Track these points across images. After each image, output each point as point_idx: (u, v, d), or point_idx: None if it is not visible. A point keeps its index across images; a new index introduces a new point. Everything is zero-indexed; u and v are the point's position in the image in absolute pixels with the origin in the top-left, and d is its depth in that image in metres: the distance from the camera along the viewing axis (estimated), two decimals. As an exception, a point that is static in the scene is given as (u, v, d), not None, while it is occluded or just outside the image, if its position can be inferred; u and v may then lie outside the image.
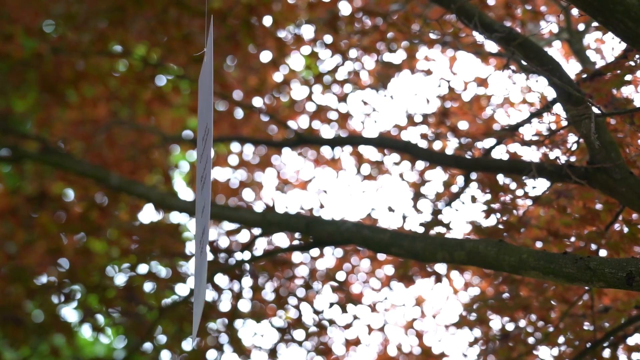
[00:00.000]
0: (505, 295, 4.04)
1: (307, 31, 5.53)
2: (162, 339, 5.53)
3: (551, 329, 3.77)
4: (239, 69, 6.01)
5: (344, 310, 5.43)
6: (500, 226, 3.67)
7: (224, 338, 5.49)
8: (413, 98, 5.47)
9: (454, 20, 3.81)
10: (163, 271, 5.58)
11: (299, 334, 5.47)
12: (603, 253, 3.40)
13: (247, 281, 5.34)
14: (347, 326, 5.49)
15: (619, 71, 3.18)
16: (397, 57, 5.14)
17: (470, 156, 4.34)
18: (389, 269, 5.37)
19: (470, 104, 4.78)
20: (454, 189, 4.58)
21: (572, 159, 3.40)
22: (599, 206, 3.38)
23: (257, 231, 5.00)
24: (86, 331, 6.32)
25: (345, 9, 5.29)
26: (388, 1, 4.87)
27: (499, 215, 3.72)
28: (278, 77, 5.87)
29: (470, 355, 4.43)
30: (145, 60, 5.86)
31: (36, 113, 6.17)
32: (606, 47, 4.29)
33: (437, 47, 4.90)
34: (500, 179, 3.82)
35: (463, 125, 4.78)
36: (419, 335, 5.51)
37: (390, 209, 5.07)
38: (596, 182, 3.14)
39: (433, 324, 5.50)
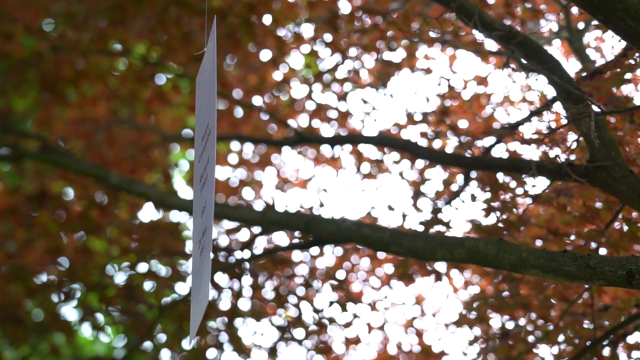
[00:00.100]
0: (505, 293, 4.04)
1: (307, 30, 5.54)
2: (162, 337, 5.54)
3: (551, 328, 3.77)
4: (238, 67, 6.01)
5: (344, 308, 5.43)
6: (500, 224, 3.67)
7: (223, 337, 5.50)
8: (413, 96, 5.48)
9: (453, 19, 3.81)
10: (163, 270, 5.58)
11: (298, 333, 5.48)
12: (603, 251, 3.40)
13: (247, 280, 5.34)
14: (347, 325, 5.50)
15: (618, 69, 3.18)
16: (397, 55, 5.14)
17: (470, 155, 4.34)
18: (389, 268, 5.37)
19: (470, 102, 4.78)
20: (454, 187, 4.59)
21: (572, 157, 3.40)
22: (598, 204, 3.39)
23: (257, 230, 5.01)
24: (86, 330, 6.33)
25: (345, 7, 5.30)
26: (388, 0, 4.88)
27: (498, 213, 3.73)
28: (278, 75, 5.87)
29: (470, 354, 4.43)
30: (145, 59, 5.86)
31: (36, 112, 6.17)
32: (606, 45, 4.30)
33: (437, 45, 4.90)
34: (500, 177, 3.82)
35: (463, 123, 4.79)
36: (419, 334, 5.51)
37: (390, 208, 5.07)
38: (596, 180, 3.15)
39: (433, 323, 5.51)
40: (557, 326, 3.72)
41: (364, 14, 5.01)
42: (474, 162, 4.04)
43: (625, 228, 3.28)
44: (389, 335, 5.60)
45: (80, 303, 5.63)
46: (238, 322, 5.47)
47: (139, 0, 5.36)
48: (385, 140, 4.92)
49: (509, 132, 4.09)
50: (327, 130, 5.74)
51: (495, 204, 3.73)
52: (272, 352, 5.48)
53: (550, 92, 3.61)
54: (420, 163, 5.01)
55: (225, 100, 5.99)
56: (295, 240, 5.09)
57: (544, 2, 4.48)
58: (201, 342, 5.52)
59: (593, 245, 3.40)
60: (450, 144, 4.69)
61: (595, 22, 4.07)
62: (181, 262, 5.54)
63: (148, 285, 5.52)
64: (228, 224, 5.54)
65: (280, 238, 5.41)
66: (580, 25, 4.42)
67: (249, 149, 6.23)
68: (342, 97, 5.57)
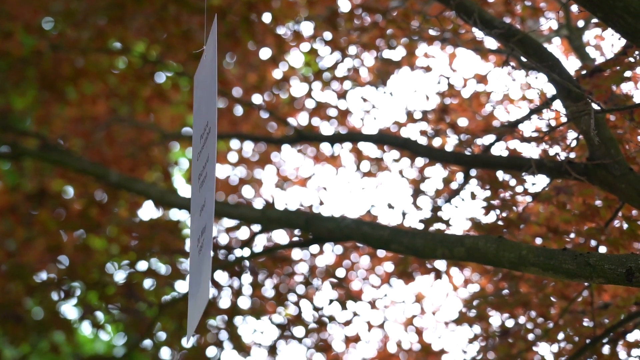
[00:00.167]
0: (505, 291, 4.04)
1: (307, 28, 5.54)
2: (162, 335, 5.54)
3: (551, 326, 3.78)
4: (238, 65, 6.00)
5: (344, 307, 5.43)
6: (500, 222, 3.67)
7: (223, 335, 5.50)
8: (412, 95, 5.47)
9: (453, 17, 3.81)
10: (163, 268, 5.58)
11: (298, 331, 5.48)
12: (603, 249, 3.40)
13: (246, 278, 5.34)
14: (347, 323, 5.50)
15: (618, 67, 3.18)
16: (397, 53, 5.14)
17: (470, 153, 4.34)
18: (389, 266, 5.37)
19: (470, 100, 4.78)
20: (454, 185, 4.59)
21: (572, 155, 3.40)
22: (598, 202, 3.38)
23: (256, 228, 5.00)
24: (86, 328, 6.34)
25: (344, 5, 5.29)
26: (387, -2, 4.88)
27: (498, 211, 3.72)
28: (277, 74, 5.86)
29: (470, 352, 4.43)
30: (144, 58, 5.85)
31: (35, 110, 6.17)
32: (606, 43, 4.30)
33: (436, 43, 4.90)
34: (500, 175, 3.82)
35: (463, 121, 4.78)
36: (419, 332, 5.51)
37: (390, 206, 5.07)
38: (596, 178, 3.15)
39: (433, 321, 5.51)
40: (556, 324, 3.72)
41: (364, 12, 5.00)
42: (474, 160, 4.04)
43: (625, 226, 3.28)
44: (388, 333, 5.60)
45: (80, 301, 5.63)
46: (238, 320, 5.47)
47: (139, -2, 5.36)
48: (385, 139, 4.91)
49: (509, 130, 4.09)
50: (326, 128, 5.74)
51: (495, 202, 3.73)
52: (272, 350, 5.48)
53: (550, 90, 3.61)
54: (420, 161, 5.01)
55: (225, 98, 5.99)
56: (295, 239, 5.09)
57: (543, 0, 4.48)
58: (201, 340, 5.52)
59: (593, 243, 3.40)
60: (450, 142, 4.69)
61: (595, 20, 4.07)
62: (181, 260, 5.54)
63: (148, 284, 5.53)
64: (228, 222, 5.54)
65: (280, 236, 5.41)
66: (580, 23, 4.42)
67: (248, 147, 6.23)
68: (342, 95, 5.57)
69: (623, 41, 3.23)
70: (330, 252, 5.46)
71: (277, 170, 6.18)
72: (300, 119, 5.88)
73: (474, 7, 3.22)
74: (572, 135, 3.44)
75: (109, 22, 5.62)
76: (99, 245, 6.00)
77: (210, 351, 5.49)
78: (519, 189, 3.73)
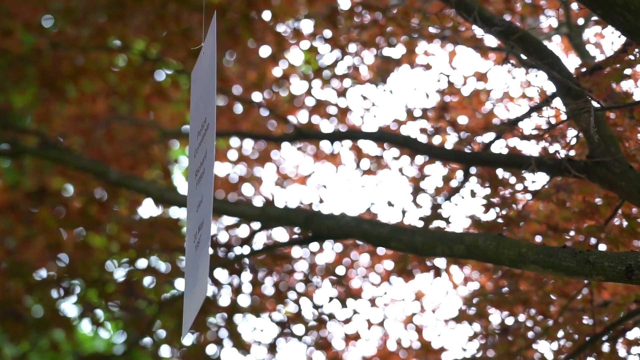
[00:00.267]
0: (505, 289, 4.04)
1: (307, 26, 5.53)
2: (162, 333, 5.54)
3: (551, 323, 3.77)
4: (238, 63, 6.00)
5: (344, 304, 5.43)
6: (500, 220, 3.67)
7: (223, 332, 5.50)
8: (412, 92, 5.46)
9: (453, 15, 3.81)
10: (162, 266, 5.58)
11: (298, 329, 5.48)
12: (602, 247, 3.40)
13: (246, 276, 5.34)
14: (347, 321, 5.50)
15: (618, 65, 3.17)
16: (397, 51, 5.14)
17: (470, 150, 4.34)
18: (389, 264, 5.37)
19: (470, 98, 4.78)
20: (454, 183, 4.59)
21: (572, 153, 3.40)
22: (598, 200, 3.38)
23: (256, 226, 5.00)
24: (86, 326, 6.34)
25: (344, 3, 5.28)
26: (387, -5, 4.88)
27: (498, 209, 3.72)
28: (277, 71, 5.86)
29: (470, 350, 4.43)
30: (144, 55, 5.85)
31: (35, 108, 6.16)
32: (606, 41, 4.29)
33: (436, 41, 4.90)
34: (500, 173, 3.81)
35: (462, 119, 4.78)
36: (419, 330, 5.51)
37: (390, 204, 5.07)
38: (595, 176, 3.14)
39: (432, 319, 5.51)
40: (556, 322, 3.71)
41: (364, 9, 5.00)
42: (474, 158, 4.04)
43: (625, 224, 3.27)
44: (388, 331, 5.60)
45: (79, 299, 5.63)
46: (238, 318, 5.48)
47: (138, -4, 5.36)
48: (384, 136, 4.91)
49: (509, 128, 4.09)
50: (326, 126, 5.74)
51: (495, 200, 3.72)
52: (272, 348, 5.48)
53: (550, 88, 3.60)
54: (419, 159, 5.01)
55: (225, 96, 5.99)
56: (295, 236, 5.09)
57: (543, -3, 4.48)
58: (201, 338, 5.52)
59: (593, 240, 3.40)
60: (450, 140, 4.69)
61: (594, 18, 4.06)
62: (181, 258, 5.54)
63: (147, 281, 5.52)
64: (228, 220, 5.54)
65: (280, 234, 5.42)
66: (580, 21, 4.41)
67: (248, 145, 6.23)
68: (342, 93, 5.56)
69: (623, 39, 3.23)
70: (330, 250, 5.46)
71: (277, 168, 6.18)
72: (300, 117, 5.88)
73: (474, 5, 3.22)
74: (572, 132, 3.43)
75: (108, 19, 5.61)
76: (99, 243, 6.00)
77: (210, 349, 5.49)
78: (519, 186, 3.73)
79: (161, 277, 5.48)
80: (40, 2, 5.59)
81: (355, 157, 5.56)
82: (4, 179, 6.24)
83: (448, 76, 4.90)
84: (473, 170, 4.38)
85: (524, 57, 3.48)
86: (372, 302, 5.53)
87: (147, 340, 5.54)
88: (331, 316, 5.44)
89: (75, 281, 5.63)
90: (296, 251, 5.46)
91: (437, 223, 4.28)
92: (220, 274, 5.31)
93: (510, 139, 4.13)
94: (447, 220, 4.26)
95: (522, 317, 4.04)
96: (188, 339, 5.49)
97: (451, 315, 4.98)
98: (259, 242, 5.40)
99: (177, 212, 6.00)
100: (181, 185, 6.96)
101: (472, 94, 4.79)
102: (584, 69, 3.35)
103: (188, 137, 5.99)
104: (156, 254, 5.53)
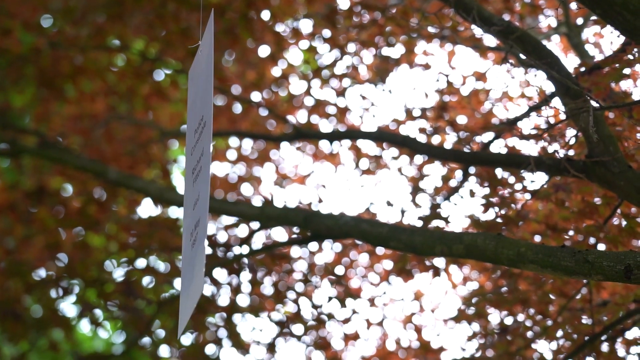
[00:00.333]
0: (504, 289, 4.03)
1: (306, 25, 5.53)
2: (161, 333, 5.54)
3: (550, 323, 3.77)
4: (237, 63, 6.00)
5: (343, 304, 5.43)
6: (499, 220, 3.67)
7: (222, 332, 5.50)
8: (411, 92, 5.46)
9: (452, 14, 3.80)
10: (161, 265, 5.58)
11: (297, 329, 5.48)
12: (601, 247, 3.40)
13: (245, 275, 5.34)
14: (346, 320, 5.50)
15: (617, 65, 3.17)
16: (396, 51, 5.13)
17: (469, 150, 4.34)
18: (388, 263, 5.37)
19: (469, 98, 4.78)
20: (453, 183, 4.58)
21: (571, 152, 3.40)
22: (597, 200, 3.38)
23: (255, 225, 5.00)
24: (85, 326, 6.33)
25: (343, 3, 5.28)
26: (386, -5, 4.87)
27: (497, 209, 3.72)
28: (276, 71, 5.86)
29: (469, 350, 4.43)
30: (143, 55, 5.85)
31: (34, 108, 6.16)
32: (605, 40, 4.29)
33: (435, 41, 4.90)
34: (499, 172, 3.81)
35: (461, 119, 4.78)
36: (418, 330, 5.51)
37: (389, 203, 5.06)
38: (594, 175, 3.14)
39: (432, 318, 5.50)
40: (555, 322, 3.71)
41: (363, 9, 5.00)
42: (473, 158, 4.04)
43: (624, 223, 3.27)
44: (387, 331, 5.60)
45: (78, 299, 5.63)
46: (237, 317, 5.47)
47: (137, -5, 5.36)
48: (384, 136, 4.91)
49: (508, 127, 4.09)
50: (325, 126, 5.74)
51: (494, 200, 3.72)
52: (271, 347, 5.48)
53: (549, 88, 3.60)
54: (419, 159, 5.01)
55: (224, 96, 5.98)
56: (294, 236, 5.09)
57: (542, -3, 4.48)
58: (200, 337, 5.52)
59: (592, 240, 3.40)
60: (449, 140, 4.69)
61: (594, 18, 4.06)
62: (180, 257, 5.54)
63: (146, 281, 5.52)
64: (227, 220, 5.54)
65: (279, 234, 5.41)
66: (579, 21, 4.41)
67: (247, 144, 6.23)
68: (341, 92, 5.56)
69: (622, 38, 3.23)
70: (329, 250, 5.46)
71: (276, 168, 6.18)
72: (299, 117, 5.87)
73: (473, 5, 3.22)
74: (571, 132, 3.43)
75: (107, 19, 5.61)
76: (98, 242, 6.00)
77: (209, 349, 5.49)
78: (518, 186, 3.73)
79: (160, 276, 5.47)
80: (39, 1, 5.59)
81: (354, 156, 5.56)
82: (3, 179, 6.24)
83: (447, 76, 4.90)
84: (472, 169, 4.38)
85: (523, 56, 3.48)
86: (371, 301, 5.53)
87: (146, 340, 5.54)
88: (330, 316, 5.44)
89: (74, 281, 5.63)
90: (295, 251, 5.46)
91: (436, 223, 4.28)
92: (219, 273, 5.31)
93: (509, 138, 4.13)
94: (446, 220, 4.26)
95: (521, 317, 4.04)
96: (187, 339, 5.50)
97: (450, 314, 4.99)
98: (258, 241, 5.40)
99: (176, 212, 6.01)
100: (180, 185, 6.96)
101: (471, 93, 4.79)
102: (583, 69, 3.34)
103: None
104: (155, 254, 5.53)
